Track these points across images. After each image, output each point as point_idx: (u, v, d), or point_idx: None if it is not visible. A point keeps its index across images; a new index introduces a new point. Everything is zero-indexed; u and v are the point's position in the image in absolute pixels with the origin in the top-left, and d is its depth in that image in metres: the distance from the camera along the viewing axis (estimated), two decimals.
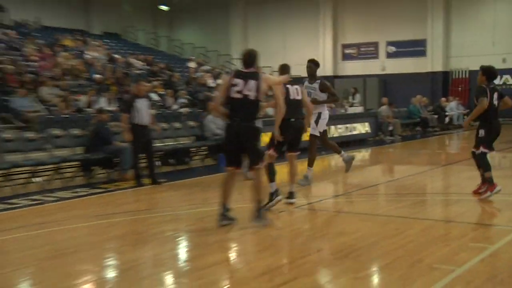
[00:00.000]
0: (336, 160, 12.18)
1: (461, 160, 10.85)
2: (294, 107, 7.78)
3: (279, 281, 4.78)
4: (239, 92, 6.50)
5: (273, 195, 7.56)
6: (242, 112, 6.53)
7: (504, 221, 6.98)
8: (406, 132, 21.27)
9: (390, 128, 19.54)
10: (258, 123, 6.96)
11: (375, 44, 31.12)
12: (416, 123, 22.25)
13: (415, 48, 30.17)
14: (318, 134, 9.57)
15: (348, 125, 17.40)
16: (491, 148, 8.01)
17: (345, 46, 31.55)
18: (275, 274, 5.00)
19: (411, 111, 22.18)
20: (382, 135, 19.13)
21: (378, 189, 10.12)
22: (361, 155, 15.50)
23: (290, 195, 7.93)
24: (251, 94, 6.50)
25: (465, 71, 28.69)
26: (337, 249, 5.73)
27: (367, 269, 5.17)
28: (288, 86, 7.81)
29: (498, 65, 27.71)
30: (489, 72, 8.00)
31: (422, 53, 30.10)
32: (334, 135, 15.90)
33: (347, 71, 31.26)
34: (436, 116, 23.19)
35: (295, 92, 7.90)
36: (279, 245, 6.13)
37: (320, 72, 10.35)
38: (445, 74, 29.65)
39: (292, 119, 7.75)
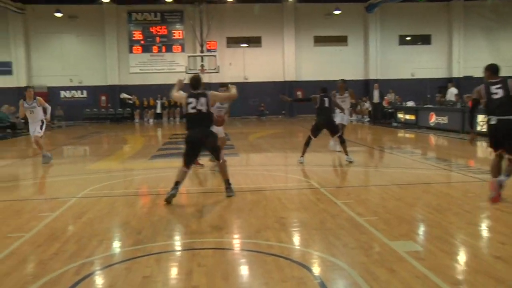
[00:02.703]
0: None
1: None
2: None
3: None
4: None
5: None
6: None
7: (64, 194, 6.66)
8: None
9: None
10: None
11: None
12: (6, 127, 19.96)
13: (3, 68, 27.04)
14: None
15: None
16: None
17: None
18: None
19: (0, 117, 19.81)
20: None
21: None
22: None
23: None
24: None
25: (45, 86, 27.34)
26: None
27: None
28: None
29: (67, 83, 27.49)
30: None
31: (10, 72, 27.29)
32: None
33: None
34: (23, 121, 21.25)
35: None
36: None
37: None
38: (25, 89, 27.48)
39: None
